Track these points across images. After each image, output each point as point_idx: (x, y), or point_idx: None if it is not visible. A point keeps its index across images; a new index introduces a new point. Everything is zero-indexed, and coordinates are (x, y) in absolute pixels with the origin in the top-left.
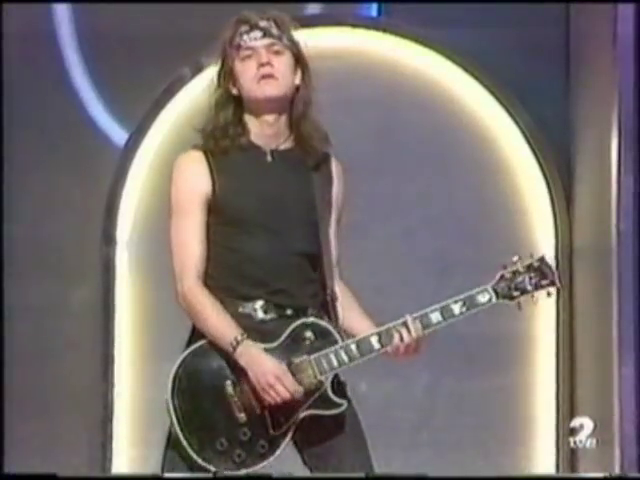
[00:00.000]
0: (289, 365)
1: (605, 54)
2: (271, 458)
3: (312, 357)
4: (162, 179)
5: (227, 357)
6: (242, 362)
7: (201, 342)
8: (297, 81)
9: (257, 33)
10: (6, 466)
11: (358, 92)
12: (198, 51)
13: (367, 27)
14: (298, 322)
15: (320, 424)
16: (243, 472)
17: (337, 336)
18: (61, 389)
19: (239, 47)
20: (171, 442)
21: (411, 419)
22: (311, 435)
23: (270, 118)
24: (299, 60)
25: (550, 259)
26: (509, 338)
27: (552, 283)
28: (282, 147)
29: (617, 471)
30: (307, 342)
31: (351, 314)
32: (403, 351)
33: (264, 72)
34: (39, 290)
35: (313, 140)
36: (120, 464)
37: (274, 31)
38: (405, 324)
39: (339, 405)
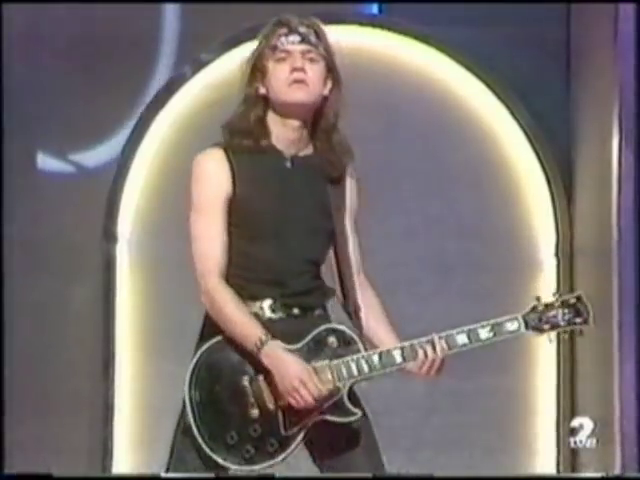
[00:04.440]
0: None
1: (606, 53)
2: (280, 458)
3: (333, 362)
4: (163, 176)
5: (246, 353)
6: (266, 362)
7: (218, 337)
8: (326, 92)
9: (295, 37)
10: (6, 466)
11: (358, 90)
12: (197, 51)
13: (368, 25)
14: (324, 326)
15: (334, 433)
16: (250, 469)
17: (361, 346)
18: (61, 388)
19: (275, 48)
20: (182, 428)
21: (412, 419)
22: (325, 443)
23: (295, 123)
24: (331, 71)
25: (587, 299)
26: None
27: (585, 322)
28: (302, 154)
29: (617, 471)
30: (330, 347)
31: (377, 326)
32: (425, 370)
33: (296, 77)
34: (39, 288)
35: (338, 152)
36: (120, 464)
37: (312, 38)
38: (431, 342)
39: (353, 414)
